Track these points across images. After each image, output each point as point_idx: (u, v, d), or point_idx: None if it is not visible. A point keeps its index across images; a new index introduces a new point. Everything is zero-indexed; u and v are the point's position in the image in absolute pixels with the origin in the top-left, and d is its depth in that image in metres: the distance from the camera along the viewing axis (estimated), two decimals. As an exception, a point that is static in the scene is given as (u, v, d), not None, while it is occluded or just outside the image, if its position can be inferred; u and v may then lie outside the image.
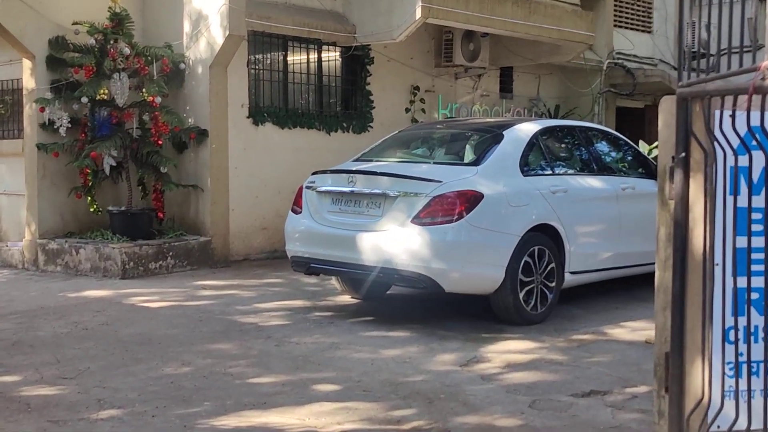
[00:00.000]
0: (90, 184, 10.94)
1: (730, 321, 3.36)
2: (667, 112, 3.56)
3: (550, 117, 16.34)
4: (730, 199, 3.34)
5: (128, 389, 5.76)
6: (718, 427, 3.36)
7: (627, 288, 9.34)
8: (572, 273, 8.14)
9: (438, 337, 7.23)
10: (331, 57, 13.33)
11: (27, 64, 11.07)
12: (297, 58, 12.91)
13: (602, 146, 9.36)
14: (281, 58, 12.72)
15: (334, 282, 9.02)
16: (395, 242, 7.42)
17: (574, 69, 17.00)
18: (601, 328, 7.66)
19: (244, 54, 11.91)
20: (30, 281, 10.36)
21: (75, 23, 10.87)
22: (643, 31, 18.61)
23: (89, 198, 11.10)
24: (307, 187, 8.26)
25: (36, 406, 5.42)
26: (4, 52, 11.75)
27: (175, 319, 7.98)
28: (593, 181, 8.65)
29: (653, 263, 3.71)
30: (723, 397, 3.35)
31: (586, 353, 6.75)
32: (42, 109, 10.84)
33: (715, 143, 3.31)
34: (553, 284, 7.89)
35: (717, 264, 3.38)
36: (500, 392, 5.69)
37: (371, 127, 13.61)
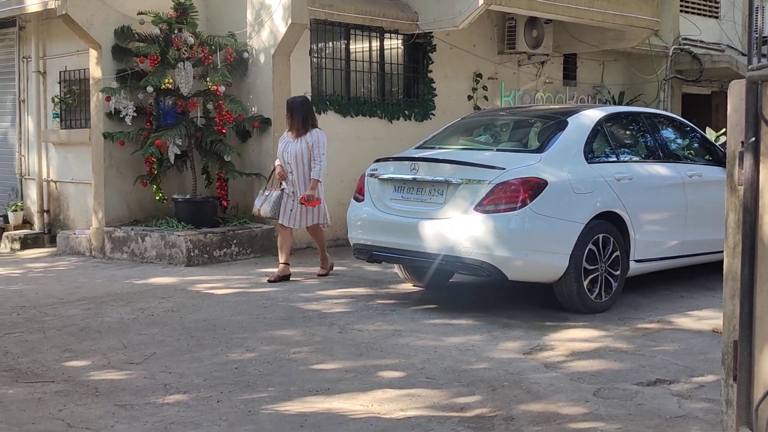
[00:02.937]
0: (155, 172, 11.07)
1: (802, 309, 3.30)
2: (736, 96, 3.50)
3: (615, 104, 16.15)
4: (802, 184, 3.27)
5: (193, 374, 5.84)
6: (789, 416, 3.29)
7: (693, 277, 9.19)
8: (637, 261, 8.03)
9: (501, 325, 7.20)
10: (393, 45, 13.31)
11: (93, 54, 11.23)
12: (359, 47, 12.92)
13: (668, 133, 9.21)
14: (343, 46, 12.74)
15: (396, 270, 9.02)
16: (458, 230, 7.39)
17: (639, 55, 16.76)
18: (666, 317, 7.55)
19: (306, 42, 11.96)
20: (97, 268, 10.54)
21: (140, 13, 11.01)
22: (710, 16, 18.26)
23: (154, 186, 11.24)
24: (370, 175, 8.27)
25: (104, 390, 5.52)
26: (72, 42, 11.97)
27: (239, 305, 8.06)
28: (659, 168, 8.53)
29: (721, 251, 3.65)
30: (794, 386, 3.29)
31: (652, 342, 6.66)
32: (108, 99, 11.00)
33: (788, 127, 3.25)
34: (618, 272, 7.80)
35: (788, 250, 3.31)
36: (564, 380, 5.65)
37: (433, 114, 13.58)
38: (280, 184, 9.39)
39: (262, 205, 9.41)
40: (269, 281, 9.23)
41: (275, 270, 9.36)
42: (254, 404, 5.20)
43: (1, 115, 13.96)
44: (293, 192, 9.30)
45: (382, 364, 6.07)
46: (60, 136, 12.70)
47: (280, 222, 9.43)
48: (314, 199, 9.20)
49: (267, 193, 9.44)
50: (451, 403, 5.19)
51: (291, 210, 9.30)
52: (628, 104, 16.32)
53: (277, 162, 9.50)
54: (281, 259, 9.34)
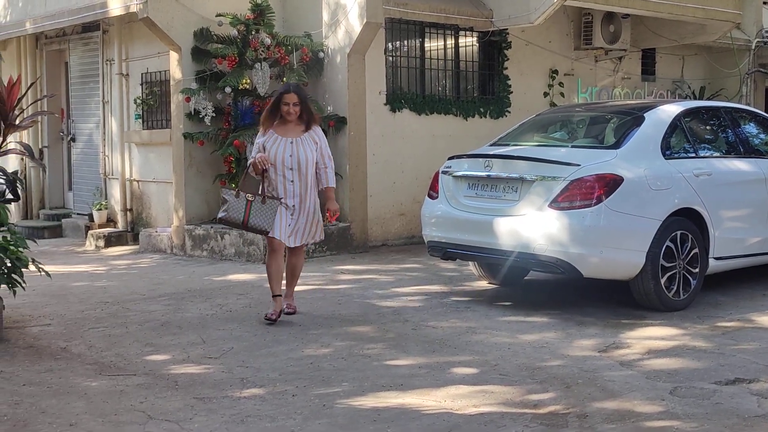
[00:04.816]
0: (234, 171, 11.21)
1: None
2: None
3: (695, 99, 15.86)
4: None
5: (270, 369, 5.93)
6: None
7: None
8: (717, 258, 7.89)
9: (576, 323, 7.14)
10: (468, 42, 13.28)
11: (174, 56, 11.45)
12: (434, 45, 12.91)
13: (750, 128, 9.02)
14: (418, 44, 12.75)
15: (471, 267, 9.01)
16: (532, 227, 7.36)
17: (720, 49, 16.43)
18: (747, 315, 7.41)
19: (381, 41, 12.00)
20: (177, 265, 10.75)
21: (218, 15, 11.18)
22: (795, 7, 17.82)
23: (233, 185, 11.39)
24: (444, 172, 8.28)
25: (183, 384, 5.64)
26: (153, 45, 12.22)
27: (315, 302, 8.14)
28: (740, 164, 8.37)
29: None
30: None
31: (731, 341, 6.55)
32: (188, 99, 11.21)
33: None
34: (697, 270, 7.67)
35: None
36: (640, 378, 5.59)
37: (509, 112, 13.50)
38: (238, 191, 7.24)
39: (247, 216, 7.15)
40: (267, 318, 7.25)
41: (351, 267, 9.38)
42: (328, 398, 5.27)
43: (87, 116, 14.32)
44: (298, 204, 7.37)
45: (455, 360, 6.08)
46: (142, 137, 12.97)
47: (284, 243, 7.40)
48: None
49: (229, 198, 7.24)
50: (525, 400, 5.18)
51: (299, 225, 7.44)
52: (708, 99, 16.01)
53: (258, 155, 7.24)
54: (277, 290, 7.37)
